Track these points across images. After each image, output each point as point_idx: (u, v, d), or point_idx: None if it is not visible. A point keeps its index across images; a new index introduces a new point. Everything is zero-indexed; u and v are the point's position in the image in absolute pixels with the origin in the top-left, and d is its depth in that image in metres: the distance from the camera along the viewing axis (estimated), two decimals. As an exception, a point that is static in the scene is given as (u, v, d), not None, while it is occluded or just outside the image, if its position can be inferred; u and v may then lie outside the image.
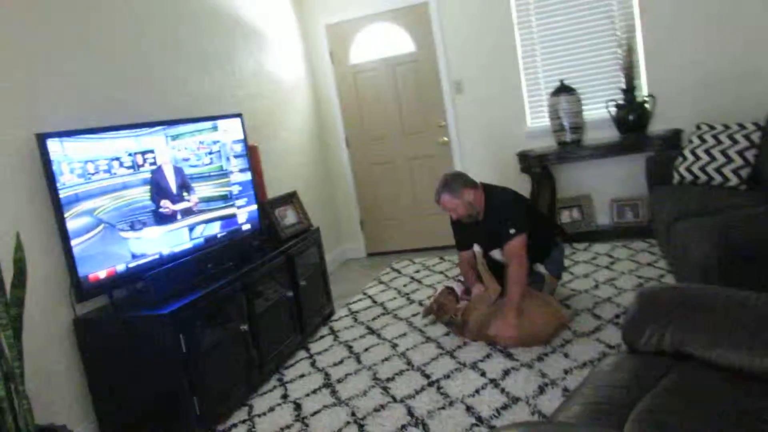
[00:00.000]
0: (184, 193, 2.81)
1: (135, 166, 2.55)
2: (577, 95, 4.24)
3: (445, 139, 4.82)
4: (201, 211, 2.90)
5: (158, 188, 2.65)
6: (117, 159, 2.48)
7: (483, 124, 4.68)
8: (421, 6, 4.66)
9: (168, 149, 2.73)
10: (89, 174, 2.36)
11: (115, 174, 2.46)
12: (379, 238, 5.19)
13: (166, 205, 2.68)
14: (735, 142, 3.38)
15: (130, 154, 2.54)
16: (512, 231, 2.86)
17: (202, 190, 2.93)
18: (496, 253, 3.05)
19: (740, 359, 1.36)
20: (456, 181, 2.94)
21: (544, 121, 4.49)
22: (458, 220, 3.04)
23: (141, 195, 2.57)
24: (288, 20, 4.72)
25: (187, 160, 2.84)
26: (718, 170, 3.40)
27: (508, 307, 2.75)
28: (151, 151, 2.64)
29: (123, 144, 2.52)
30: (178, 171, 2.78)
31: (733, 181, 3.33)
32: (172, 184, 2.75)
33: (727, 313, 1.47)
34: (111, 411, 2.42)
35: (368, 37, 4.85)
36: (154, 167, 2.65)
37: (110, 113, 2.75)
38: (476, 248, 3.10)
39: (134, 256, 2.51)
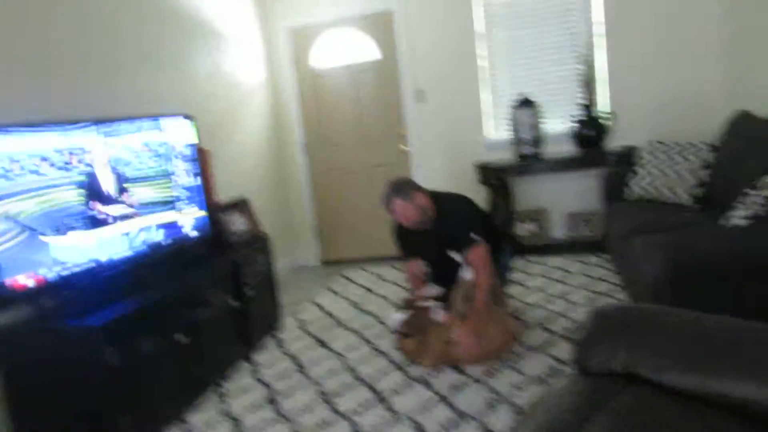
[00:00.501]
0: (122, 196, 2.66)
1: (66, 166, 2.38)
2: (538, 109, 4.28)
3: (405, 147, 4.81)
4: (140, 216, 2.76)
5: (92, 190, 2.49)
6: (45, 159, 2.30)
7: (443, 133, 4.69)
8: (386, 14, 4.65)
9: (104, 149, 2.58)
10: (11, 173, 2.17)
11: (42, 174, 2.28)
12: (334, 245, 5.15)
13: (99, 209, 2.52)
14: (687, 160, 3.42)
15: (59, 152, 2.36)
16: (473, 235, 2.81)
17: (143, 193, 2.79)
18: (454, 254, 2.94)
19: (692, 383, 1.32)
20: (407, 185, 2.88)
21: (504, 133, 4.53)
22: (402, 229, 2.97)
23: (72, 197, 2.40)
24: (249, 21, 4.63)
25: (127, 161, 2.69)
26: (670, 188, 3.43)
27: (472, 315, 2.70)
28: (84, 150, 2.47)
29: (51, 141, 2.33)
30: (115, 172, 2.62)
31: (685, 199, 3.36)
32: (109, 186, 2.59)
33: (678, 334, 1.43)
34: (32, 430, 2.26)
35: (331, 43, 4.80)
36: (88, 168, 2.48)
37: (42, 108, 2.60)
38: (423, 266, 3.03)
39: (64, 263, 2.34)
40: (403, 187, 2.87)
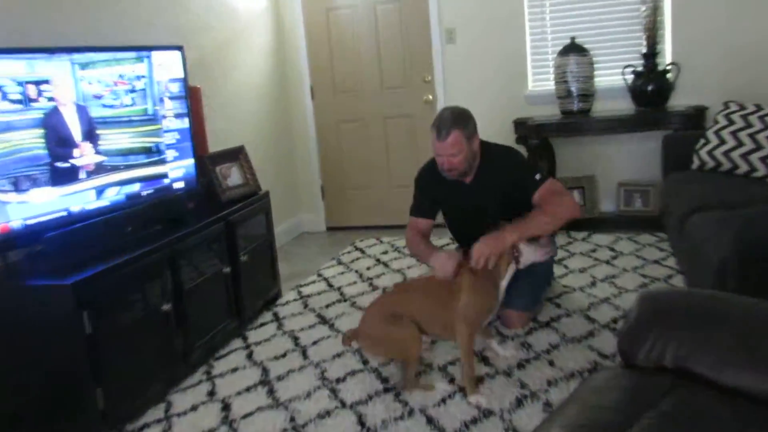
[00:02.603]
0: (94, 143, 2.63)
1: (25, 101, 2.33)
2: (590, 57, 4.24)
3: (430, 97, 4.79)
4: (115, 169, 2.73)
5: (55, 134, 2.44)
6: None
7: (476, 82, 4.66)
8: (412, -66, 4.59)
9: (72, 82, 2.52)
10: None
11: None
12: (342, 209, 5.18)
13: (67, 157, 2.47)
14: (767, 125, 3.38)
15: (19, 84, 2.30)
16: (537, 176, 2.75)
17: (119, 139, 2.77)
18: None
19: (756, 384, 1.33)
20: (470, 120, 2.74)
21: (549, 84, 4.49)
22: (431, 175, 2.88)
23: (31, 141, 2.35)
24: (250, -63, 4.58)
25: (100, 99, 2.65)
26: (744, 157, 3.39)
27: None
28: (50, 82, 2.40)
29: (11, 69, 2.27)
30: (83, 112, 2.57)
31: (761, 171, 3.32)
32: (75, 130, 2.55)
33: (743, 327, 1.43)
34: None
35: (346, -33, 4.74)
36: (51, 104, 2.41)
37: (10, 33, 2.60)
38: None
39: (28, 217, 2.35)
40: (468, 121, 2.73)
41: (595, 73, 4.28)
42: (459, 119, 2.69)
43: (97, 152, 2.66)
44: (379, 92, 4.92)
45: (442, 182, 2.86)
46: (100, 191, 2.67)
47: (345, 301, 3.55)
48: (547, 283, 3.19)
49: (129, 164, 2.83)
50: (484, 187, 2.85)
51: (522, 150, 4.31)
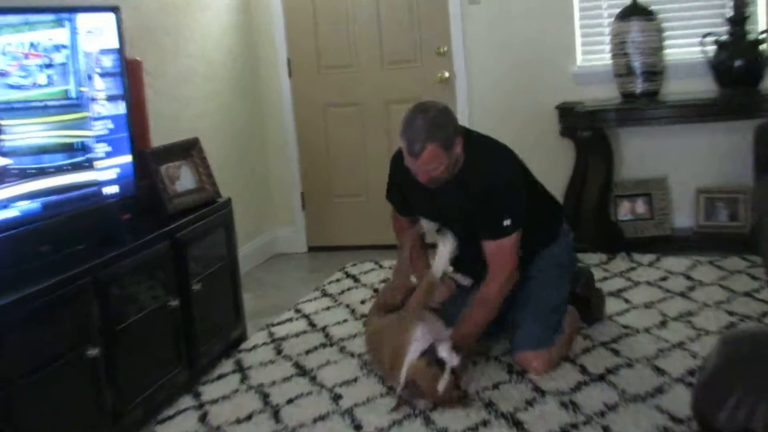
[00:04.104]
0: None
1: None
2: (658, 22, 4.24)
3: (446, 74, 4.79)
4: (23, 176, 2.64)
5: None
6: None
7: (507, 54, 4.67)
8: None
9: None
10: None
11: None
12: (329, 223, 5.18)
13: None
14: None
15: None
16: (506, 222, 2.88)
17: (30, 133, 2.69)
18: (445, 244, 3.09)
19: None
20: (449, 123, 2.87)
21: (604, 58, 4.49)
22: (403, 166, 2.96)
23: None
24: None
25: (3, 74, 2.60)
26: None
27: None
28: None
29: None
30: None
31: None
32: None
33: None
34: None
35: None
36: None
37: None
38: (426, 224, 3.17)
39: None
40: (445, 125, 2.83)
41: (665, 43, 4.27)
42: (434, 128, 2.77)
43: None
44: (379, 68, 4.90)
45: (409, 177, 2.97)
46: (3, 205, 2.59)
47: (332, 345, 3.51)
48: (562, 300, 3.17)
49: (43, 168, 2.75)
50: (453, 194, 2.96)
51: (565, 144, 4.39)
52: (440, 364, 2.70)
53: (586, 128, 4.26)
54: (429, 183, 2.91)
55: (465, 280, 3.20)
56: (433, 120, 2.80)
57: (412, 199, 3.15)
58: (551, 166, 3.06)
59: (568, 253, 3.24)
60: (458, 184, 2.93)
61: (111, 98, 3.10)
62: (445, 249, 3.05)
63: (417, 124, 2.79)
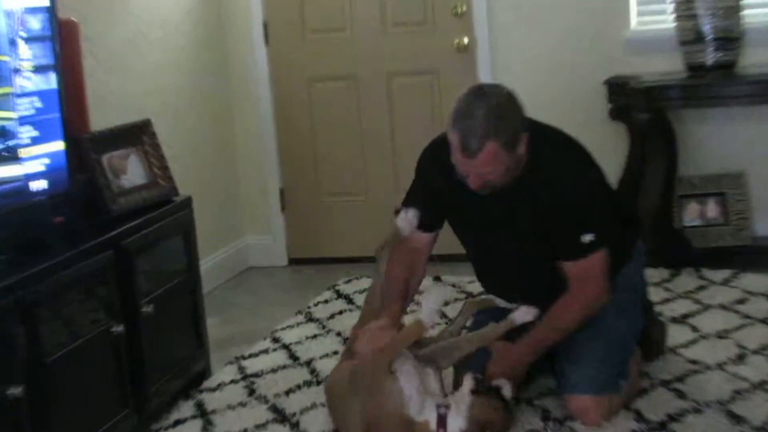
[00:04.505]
0: None
1: None
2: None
3: (465, 40, 4.72)
4: None
5: None
6: None
7: (541, 15, 4.65)
8: None
9: None
10: None
11: None
12: (315, 229, 5.21)
13: None
14: None
15: None
16: (587, 238, 2.79)
17: None
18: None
19: None
20: (515, 116, 2.73)
21: (665, 22, 4.45)
22: (437, 166, 2.99)
23: None
24: None
25: None
26: None
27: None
28: None
29: None
30: None
31: None
32: None
33: None
34: None
35: None
36: None
37: None
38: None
39: None
40: (510, 118, 2.72)
41: (743, 2, 4.19)
42: (497, 122, 2.68)
43: None
44: (381, 33, 4.91)
45: (451, 179, 2.91)
46: None
47: (318, 383, 3.40)
48: (633, 334, 3.12)
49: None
50: (513, 203, 2.91)
51: (621, 128, 4.38)
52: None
53: (642, 109, 4.18)
54: (481, 189, 2.81)
55: (526, 315, 2.94)
56: (496, 111, 2.68)
57: (451, 209, 3.08)
58: (598, 157, 3.11)
59: (641, 276, 3.20)
60: (519, 190, 2.86)
61: (39, 69, 2.99)
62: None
63: (475, 114, 2.66)
